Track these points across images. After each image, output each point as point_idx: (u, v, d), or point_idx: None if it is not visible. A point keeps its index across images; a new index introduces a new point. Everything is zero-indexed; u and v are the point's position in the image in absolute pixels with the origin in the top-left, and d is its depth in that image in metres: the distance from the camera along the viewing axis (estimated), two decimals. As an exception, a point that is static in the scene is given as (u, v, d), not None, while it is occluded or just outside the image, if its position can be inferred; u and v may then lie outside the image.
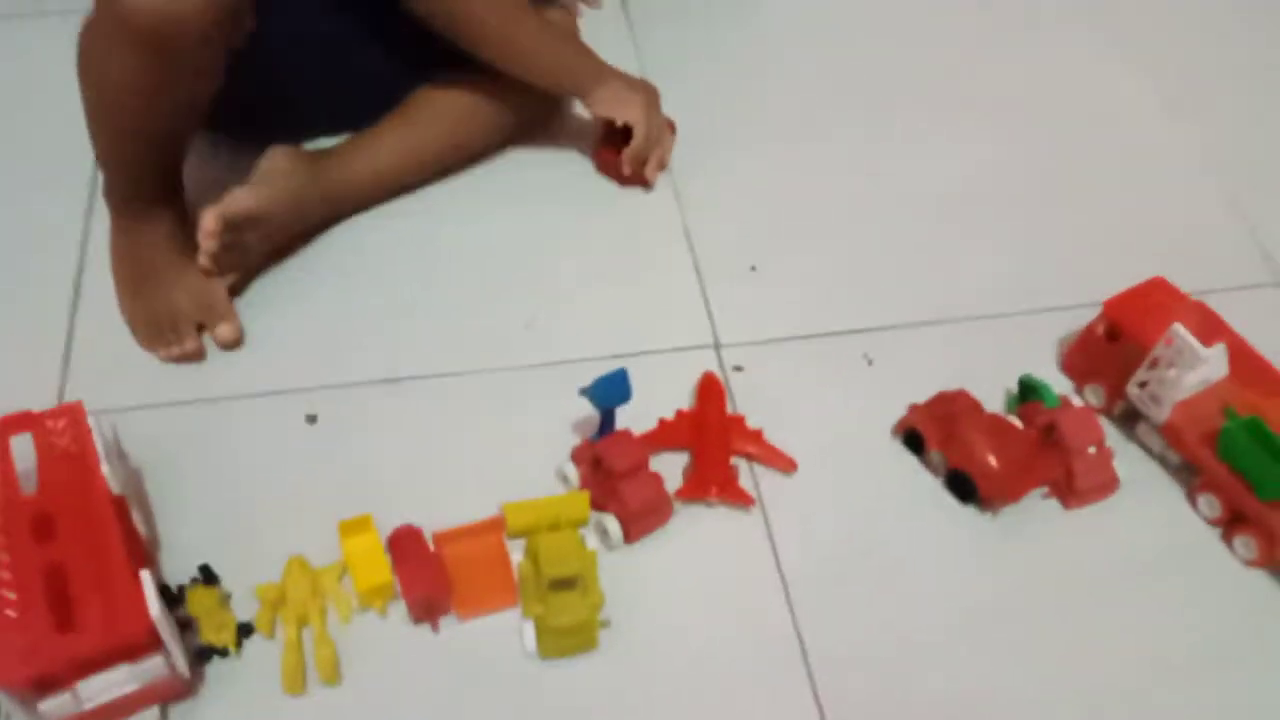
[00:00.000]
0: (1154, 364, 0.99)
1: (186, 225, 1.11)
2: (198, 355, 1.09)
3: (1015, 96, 1.39)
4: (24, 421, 0.86)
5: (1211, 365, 1.01)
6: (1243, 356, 1.05)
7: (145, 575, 0.77)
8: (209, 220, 1.06)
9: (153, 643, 0.76)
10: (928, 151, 1.32)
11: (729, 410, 1.06)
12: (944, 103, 1.38)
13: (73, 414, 0.87)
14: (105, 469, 0.83)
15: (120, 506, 0.83)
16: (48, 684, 0.74)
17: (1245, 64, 1.44)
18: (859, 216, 1.25)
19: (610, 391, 0.95)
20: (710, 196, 1.26)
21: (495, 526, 0.96)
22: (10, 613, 0.75)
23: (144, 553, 0.87)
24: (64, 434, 0.85)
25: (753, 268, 1.20)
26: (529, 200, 1.24)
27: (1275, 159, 1.31)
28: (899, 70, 1.42)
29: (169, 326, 1.08)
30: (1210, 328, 1.04)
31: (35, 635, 0.74)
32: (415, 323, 1.13)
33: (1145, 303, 1.02)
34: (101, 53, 1.00)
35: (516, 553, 0.95)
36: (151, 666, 0.79)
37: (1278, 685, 0.92)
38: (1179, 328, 0.95)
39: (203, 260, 1.08)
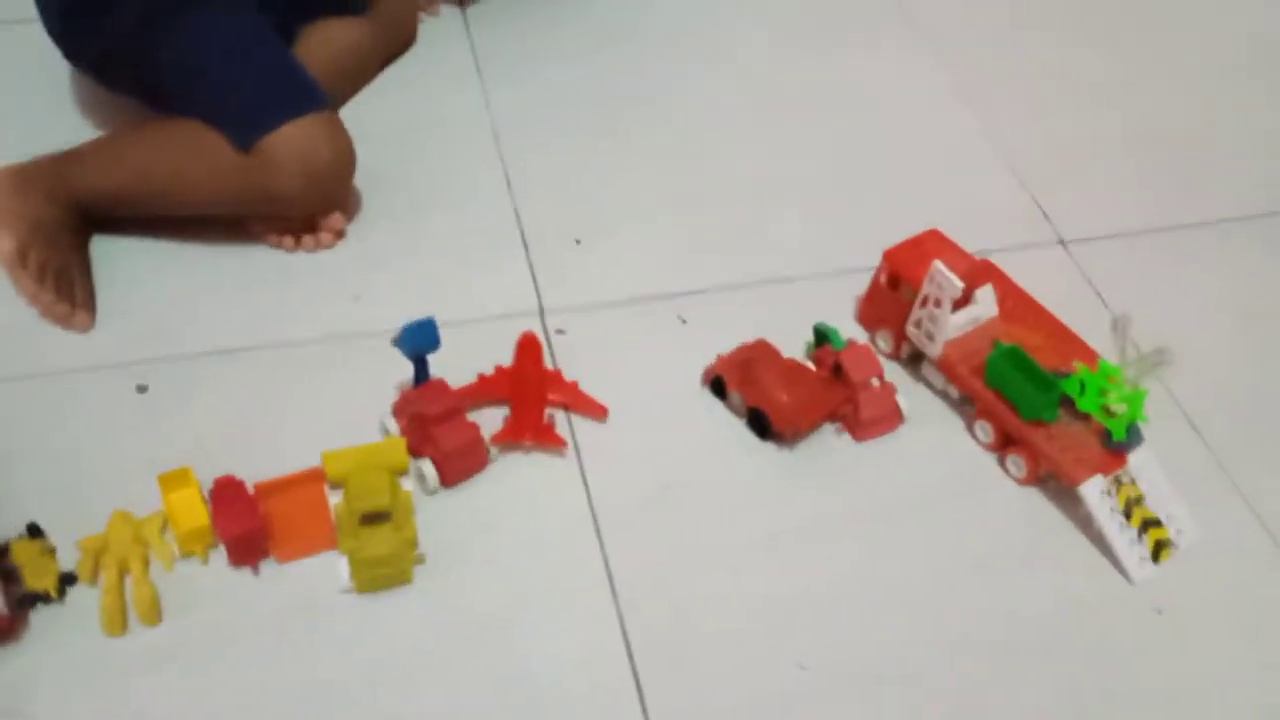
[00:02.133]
0: (924, 302, 1.08)
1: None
2: (80, 325, 1.13)
3: (820, 86, 1.49)
4: None
5: (981, 305, 1.12)
6: (1016, 300, 1.16)
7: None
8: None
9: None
10: (739, 138, 1.41)
11: (548, 366, 1.13)
12: (757, 96, 1.47)
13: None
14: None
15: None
16: None
17: (1022, 60, 1.56)
18: (676, 197, 1.33)
19: (419, 339, 1.01)
20: (538, 178, 1.33)
21: (315, 476, 1.00)
22: None
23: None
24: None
25: (577, 241, 1.28)
26: (360, 178, 1.29)
27: (1049, 138, 1.43)
28: (715, 64, 1.51)
29: (63, 283, 1.12)
30: (984, 274, 1.14)
31: None
32: (248, 295, 1.18)
33: (920, 250, 1.11)
34: (226, 168, 1.14)
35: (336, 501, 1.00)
36: (-35, 602, 0.82)
37: (1044, 585, 1.01)
38: (937, 263, 1.04)
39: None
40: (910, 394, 1.13)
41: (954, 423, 1.12)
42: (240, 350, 1.13)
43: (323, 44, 1.32)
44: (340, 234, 1.23)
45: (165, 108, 1.21)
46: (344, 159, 1.19)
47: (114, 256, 1.20)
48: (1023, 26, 1.61)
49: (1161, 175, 1.40)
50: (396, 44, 1.44)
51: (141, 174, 1.17)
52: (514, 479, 1.05)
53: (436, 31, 1.50)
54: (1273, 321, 1.25)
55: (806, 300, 1.22)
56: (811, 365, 1.12)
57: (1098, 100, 1.50)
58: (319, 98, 1.18)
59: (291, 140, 1.13)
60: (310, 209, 1.19)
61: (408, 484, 1.01)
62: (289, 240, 1.21)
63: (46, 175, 1.16)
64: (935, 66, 1.53)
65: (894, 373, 1.15)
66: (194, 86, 1.16)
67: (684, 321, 1.20)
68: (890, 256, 1.12)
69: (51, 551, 0.95)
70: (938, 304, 1.06)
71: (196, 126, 1.16)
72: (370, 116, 1.35)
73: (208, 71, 1.16)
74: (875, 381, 1.08)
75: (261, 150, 1.13)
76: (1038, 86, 1.51)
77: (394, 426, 1.05)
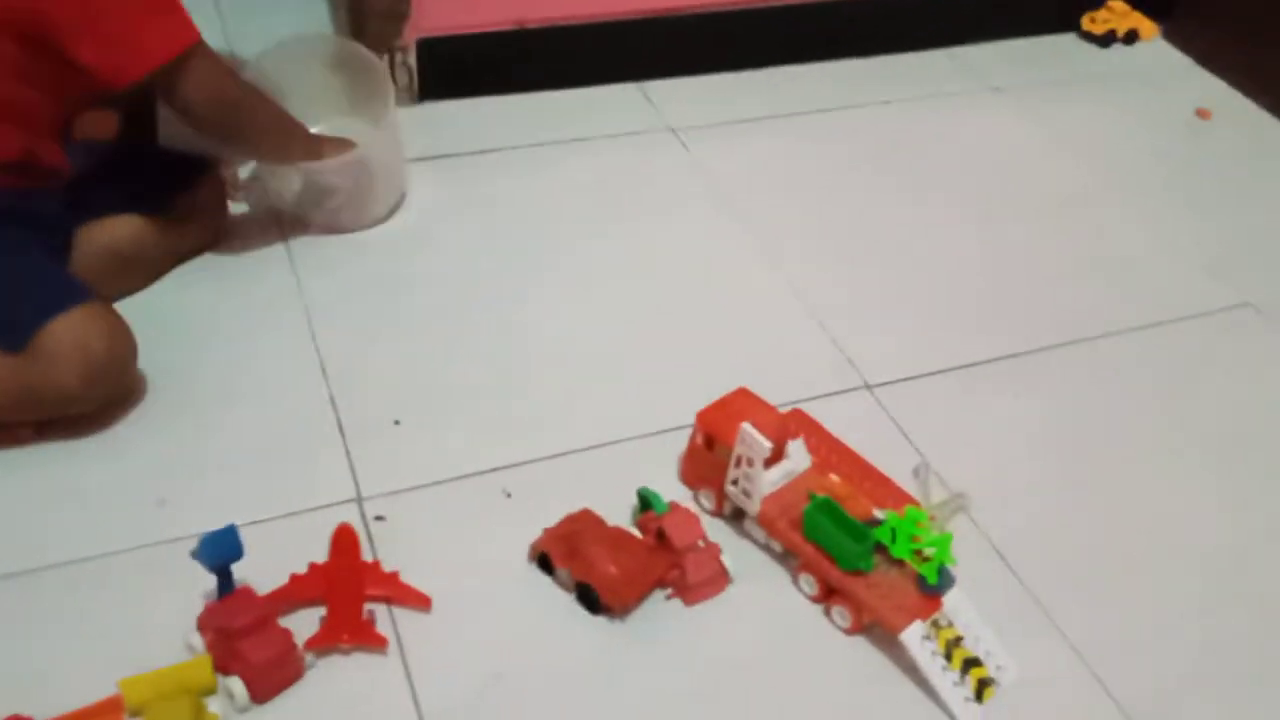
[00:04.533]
0: (738, 462, 1.10)
1: None
2: None
3: (627, 255, 1.52)
4: None
5: (794, 459, 1.14)
6: (829, 449, 1.19)
7: None
8: None
9: None
10: (553, 311, 1.42)
11: (368, 557, 1.10)
12: (568, 269, 1.48)
13: None
14: None
15: None
16: None
17: (814, 219, 1.63)
18: (496, 372, 1.33)
19: (219, 549, 0.96)
20: (354, 363, 1.31)
21: (113, 707, 0.93)
22: None
23: None
24: None
25: (396, 421, 1.26)
26: (162, 372, 1.25)
27: (848, 289, 1.50)
28: (525, 242, 1.51)
29: None
30: (795, 427, 1.18)
31: None
32: (36, 509, 1.11)
33: (729, 410, 1.14)
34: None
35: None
36: None
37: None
38: (745, 425, 1.07)
39: None
40: (736, 552, 1.13)
41: (780, 577, 1.13)
42: (28, 572, 1.06)
43: (101, 234, 1.29)
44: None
45: None
46: (120, 347, 1.17)
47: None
48: (810, 189, 1.68)
49: (955, 317, 1.48)
50: (196, 241, 1.41)
51: None
52: (333, 686, 1.00)
53: (248, 217, 1.49)
54: (1066, 450, 1.32)
55: (629, 462, 1.23)
56: (638, 532, 1.12)
57: (888, 253, 1.58)
58: (80, 291, 1.17)
59: (63, 335, 1.12)
60: (94, 403, 1.16)
61: (216, 705, 0.95)
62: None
63: None
64: (737, 231, 1.58)
65: (720, 531, 1.16)
66: None
67: (509, 495, 1.19)
68: (702, 418, 1.15)
69: None
70: (750, 463, 1.08)
71: None
72: (171, 308, 1.32)
73: None
74: (700, 544, 1.09)
75: (35, 349, 1.11)
76: (830, 243, 1.58)
77: (199, 642, 0.99)
